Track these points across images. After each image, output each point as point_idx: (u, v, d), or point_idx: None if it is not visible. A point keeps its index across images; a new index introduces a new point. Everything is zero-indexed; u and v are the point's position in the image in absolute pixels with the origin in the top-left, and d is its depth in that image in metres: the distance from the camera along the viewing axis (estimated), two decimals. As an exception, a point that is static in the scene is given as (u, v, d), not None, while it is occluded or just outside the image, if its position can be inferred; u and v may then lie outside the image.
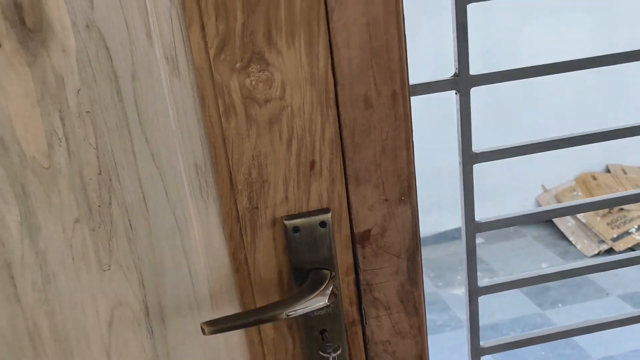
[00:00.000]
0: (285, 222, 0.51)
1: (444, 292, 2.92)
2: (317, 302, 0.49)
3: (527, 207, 3.79)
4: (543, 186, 3.74)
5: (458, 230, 3.57)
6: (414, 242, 0.55)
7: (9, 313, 0.50)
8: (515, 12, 3.02)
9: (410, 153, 0.53)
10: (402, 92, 0.51)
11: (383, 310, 0.56)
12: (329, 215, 0.52)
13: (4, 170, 0.46)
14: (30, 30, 0.43)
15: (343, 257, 0.54)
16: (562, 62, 0.63)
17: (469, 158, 0.63)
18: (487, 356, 0.82)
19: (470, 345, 0.73)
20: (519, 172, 3.28)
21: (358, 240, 0.54)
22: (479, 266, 3.23)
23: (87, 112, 0.46)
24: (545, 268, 3.18)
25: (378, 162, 0.52)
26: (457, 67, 0.57)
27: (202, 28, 0.46)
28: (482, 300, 0.74)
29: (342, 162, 0.52)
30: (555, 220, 3.60)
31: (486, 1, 0.60)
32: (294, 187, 0.51)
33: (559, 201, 3.77)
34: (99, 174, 0.48)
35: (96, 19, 0.44)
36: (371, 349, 0.57)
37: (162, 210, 0.50)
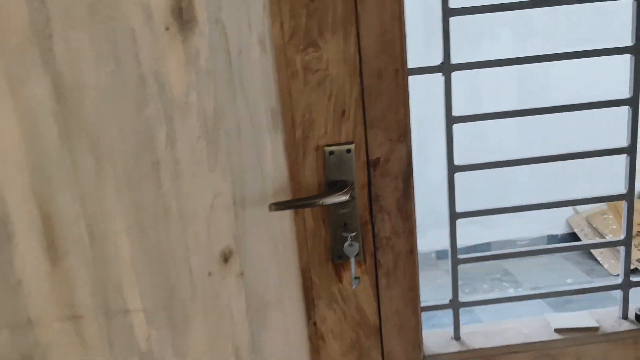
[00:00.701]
0: (325, 148, 0.82)
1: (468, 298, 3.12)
2: (341, 197, 0.79)
3: (557, 227, 3.96)
4: (574, 208, 3.91)
5: (489, 244, 3.77)
6: (408, 169, 0.84)
7: (154, 196, 0.81)
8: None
9: (406, 110, 0.82)
10: (402, 70, 0.81)
11: (386, 215, 0.86)
12: (352, 145, 0.82)
13: (161, 104, 0.78)
14: (185, 22, 0.76)
15: (360, 175, 0.84)
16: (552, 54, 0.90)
17: (450, 121, 0.92)
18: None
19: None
20: (552, 190, 3.46)
21: (371, 164, 0.84)
22: (505, 277, 3.43)
23: (211, 71, 0.78)
24: (570, 284, 3.36)
25: (385, 114, 0.82)
26: (443, 58, 0.86)
27: (281, 24, 0.78)
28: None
29: (362, 113, 0.82)
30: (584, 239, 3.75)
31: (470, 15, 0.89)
32: (331, 126, 0.82)
33: (589, 224, 3.93)
34: (214, 109, 0.79)
35: (222, 16, 0.77)
36: (377, 241, 0.87)
37: (249, 136, 0.81)
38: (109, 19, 0.73)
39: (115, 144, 0.77)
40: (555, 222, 3.91)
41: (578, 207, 3.91)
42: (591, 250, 3.67)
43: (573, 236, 3.87)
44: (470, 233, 3.46)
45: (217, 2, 0.76)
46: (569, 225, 3.94)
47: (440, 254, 3.54)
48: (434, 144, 2.50)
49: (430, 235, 2.68)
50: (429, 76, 0.91)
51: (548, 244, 3.88)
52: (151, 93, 0.77)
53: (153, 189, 0.81)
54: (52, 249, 0.82)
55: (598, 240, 3.61)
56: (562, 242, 3.85)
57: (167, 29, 0.76)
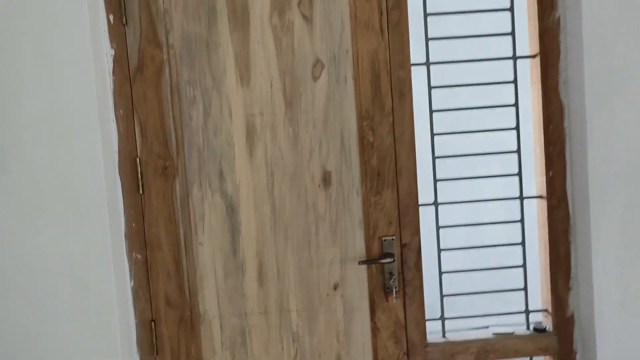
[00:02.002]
0: (382, 237, 1.86)
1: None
2: (388, 260, 1.82)
3: None
4: None
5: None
6: (419, 248, 1.87)
7: (307, 256, 1.84)
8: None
9: (417, 221, 1.86)
10: (415, 205, 1.85)
11: (408, 269, 1.87)
12: (394, 237, 1.86)
13: (314, 220, 1.83)
14: (327, 184, 1.82)
15: (397, 250, 1.86)
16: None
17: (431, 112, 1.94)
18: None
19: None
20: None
21: (402, 245, 1.86)
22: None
23: (338, 209, 1.83)
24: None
25: (408, 222, 1.86)
26: (425, 57, 1.90)
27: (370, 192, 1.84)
28: None
29: (398, 223, 1.86)
30: None
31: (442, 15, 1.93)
32: (385, 228, 1.86)
33: None
34: (341, 225, 1.84)
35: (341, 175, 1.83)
36: (405, 281, 1.88)
37: (349, 232, 1.85)
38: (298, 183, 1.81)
39: (294, 227, 1.82)
40: None
41: None
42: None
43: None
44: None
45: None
46: None
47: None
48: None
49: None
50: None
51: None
52: (310, 212, 1.83)
53: (307, 253, 1.85)
54: (260, 278, 1.86)
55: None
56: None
57: (319, 186, 1.82)
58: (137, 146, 1.79)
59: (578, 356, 1.93)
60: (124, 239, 1.80)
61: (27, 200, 1.66)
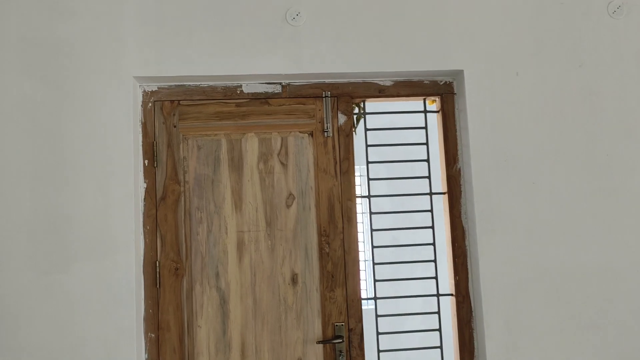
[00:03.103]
0: (335, 324, 2.52)
1: None
2: (339, 341, 2.47)
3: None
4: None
5: None
6: (362, 335, 2.53)
7: (279, 326, 2.48)
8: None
9: (361, 321, 2.53)
10: (359, 329, 2.54)
11: (354, 348, 2.52)
12: (343, 323, 2.52)
13: (293, 296, 2.49)
14: (294, 284, 2.50)
15: (346, 334, 2.52)
16: None
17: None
18: None
19: None
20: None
21: (350, 331, 2.53)
22: None
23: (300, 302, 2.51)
24: None
25: (354, 324, 2.53)
26: (368, 192, 2.59)
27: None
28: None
29: (347, 319, 2.53)
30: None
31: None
32: (337, 316, 2.53)
33: None
34: (302, 313, 2.50)
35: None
36: (351, 356, 2.52)
37: (310, 321, 2.51)
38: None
39: (269, 315, 2.48)
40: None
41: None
42: None
43: None
44: None
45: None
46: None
47: None
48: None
49: None
50: (372, 298, 2.63)
51: None
52: (289, 291, 2.50)
53: (278, 335, 2.50)
54: (242, 353, 2.48)
55: None
56: None
57: (288, 284, 2.51)
58: (158, 253, 2.47)
59: (481, 418, 2.57)
60: (142, 322, 2.43)
61: (80, 295, 2.30)
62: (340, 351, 2.51)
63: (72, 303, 2.31)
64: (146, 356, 2.43)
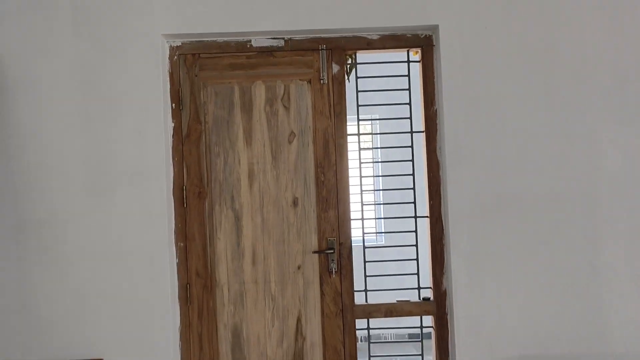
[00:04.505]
0: (327, 238, 3.09)
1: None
2: (331, 251, 3.04)
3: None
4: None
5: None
6: (350, 245, 3.09)
7: (284, 242, 3.06)
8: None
9: (349, 229, 3.09)
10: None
11: (343, 258, 3.09)
12: (335, 237, 3.09)
13: (295, 219, 3.07)
14: (295, 205, 3.06)
15: (337, 247, 3.09)
16: None
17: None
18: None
19: (368, 280, 3.21)
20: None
21: (340, 244, 3.09)
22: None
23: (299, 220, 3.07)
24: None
25: (342, 229, 3.09)
26: (357, 130, 3.14)
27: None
28: None
29: (338, 229, 3.09)
30: None
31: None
32: (330, 232, 3.09)
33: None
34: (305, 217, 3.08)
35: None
36: (341, 265, 3.10)
37: (309, 233, 3.08)
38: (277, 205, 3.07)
39: (275, 230, 3.06)
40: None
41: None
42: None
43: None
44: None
45: (303, 201, 3.09)
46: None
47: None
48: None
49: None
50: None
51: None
52: (289, 221, 3.08)
53: (282, 246, 3.09)
54: (253, 261, 3.10)
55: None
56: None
57: (290, 206, 3.08)
58: (184, 180, 3.06)
59: (447, 316, 3.13)
60: (173, 234, 3.05)
61: (124, 213, 2.92)
62: (332, 260, 3.09)
63: (118, 218, 2.93)
64: (177, 260, 3.06)
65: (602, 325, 3.00)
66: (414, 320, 3.31)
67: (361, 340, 4.65)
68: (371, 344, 3.31)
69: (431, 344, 3.20)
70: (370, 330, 3.24)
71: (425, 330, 3.29)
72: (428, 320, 3.22)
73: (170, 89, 3.06)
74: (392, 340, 5.46)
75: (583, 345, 2.99)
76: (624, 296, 3.00)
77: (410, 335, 5.39)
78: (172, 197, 3.05)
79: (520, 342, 2.99)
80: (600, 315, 3.00)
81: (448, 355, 3.11)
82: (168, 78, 3.05)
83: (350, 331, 3.11)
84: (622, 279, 3.01)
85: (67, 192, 2.93)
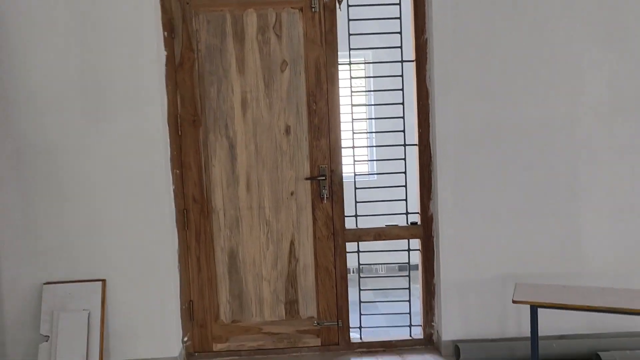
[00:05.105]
0: (319, 165, 3.19)
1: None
2: (322, 178, 3.15)
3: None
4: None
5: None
6: (341, 173, 3.20)
7: (277, 171, 3.17)
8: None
9: (340, 157, 3.18)
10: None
11: (334, 184, 3.21)
12: (327, 165, 3.19)
13: (288, 147, 3.16)
14: (287, 133, 3.14)
15: (328, 173, 3.20)
16: None
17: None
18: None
19: (358, 206, 3.34)
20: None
21: (332, 171, 3.20)
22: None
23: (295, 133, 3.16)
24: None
25: (334, 157, 3.19)
26: (349, 59, 3.23)
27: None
28: None
29: (330, 159, 3.19)
30: None
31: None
32: (322, 160, 3.19)
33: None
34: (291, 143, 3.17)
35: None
36: (332, 191, 3.22)
37: (301, 161, 3.18)
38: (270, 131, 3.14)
39: (268, 158, 3.16)
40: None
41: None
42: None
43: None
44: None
45: (295, 129, 3.17)
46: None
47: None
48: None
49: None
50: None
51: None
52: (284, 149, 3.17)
53: (275, 173, 3.19)
54: (247, 187, 3.21)
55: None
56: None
57: (283, 134, 3.16)
58: (178, 108, 3.12)
59: (434, 239, 3.29)
60: (169, 161, 3.13)
61: (122, 138, 2.99)
62: (324, 186, 3.20)
63: (117, 143, 3.00)
64: (173, 187, 3.16)
65: (580, 246, 3.17)
66: (403, 250, 3.45)
67: (352, 272, 4.81)
68: (361, 279, 3.48)
69: (418, 274, 3.37)
70: (360, 265, 3.39)
71: (412, 262, 3.44)
72: (415, 244, 3.38)
73: (162, 17, 3.06)
74: (383, 274, 5.68)
75: (562, 265, 3.17)
76: (601, 218, 3.16)
77: (401, 267, 5.59)
78: (166, 125, 3.11)
79: (502, 262, 3.17)
80: (579, 236, 3.16)
81: (434, 275, 3.28)
82: (159, 5, 3.05)
83: (341, 253, 3.27)
84: (600, 202, 3.16)
85: (67, 120, 2.98)
